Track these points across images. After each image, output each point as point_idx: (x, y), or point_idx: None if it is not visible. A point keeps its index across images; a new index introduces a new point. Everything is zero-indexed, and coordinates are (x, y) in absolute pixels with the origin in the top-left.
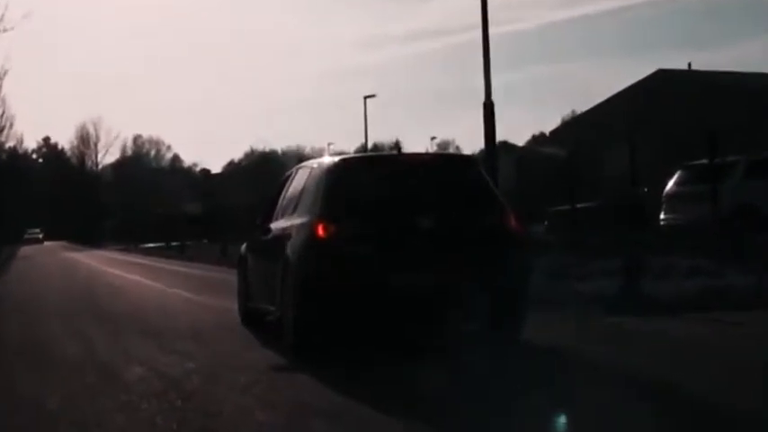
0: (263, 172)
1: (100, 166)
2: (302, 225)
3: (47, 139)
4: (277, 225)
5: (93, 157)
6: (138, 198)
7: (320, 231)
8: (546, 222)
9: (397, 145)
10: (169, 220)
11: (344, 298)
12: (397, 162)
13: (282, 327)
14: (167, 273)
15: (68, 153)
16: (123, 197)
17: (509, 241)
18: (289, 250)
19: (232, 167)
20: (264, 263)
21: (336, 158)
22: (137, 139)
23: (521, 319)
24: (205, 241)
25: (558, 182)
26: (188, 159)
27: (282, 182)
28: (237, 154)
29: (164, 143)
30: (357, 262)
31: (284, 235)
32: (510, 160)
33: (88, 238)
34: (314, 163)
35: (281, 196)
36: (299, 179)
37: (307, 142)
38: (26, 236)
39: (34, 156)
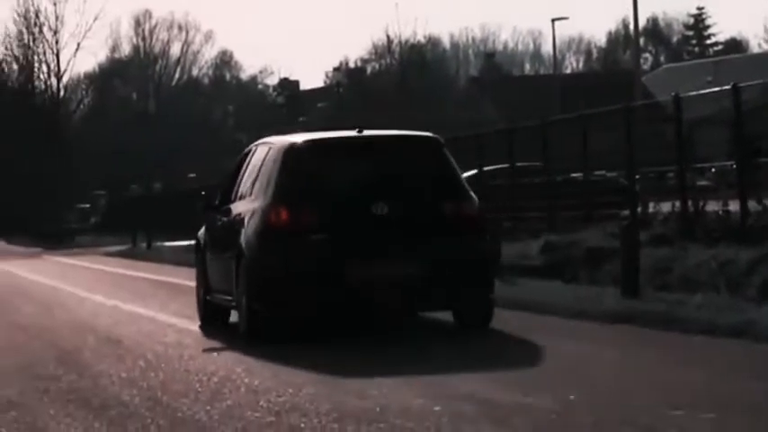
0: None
1: (63, 85)
2: (255, 211)
3: None
4: (235, 208)
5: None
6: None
7: (272, 218)
8: None
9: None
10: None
11: (298, 287)
12: (356, 144)
13: (238, 314)
14: None
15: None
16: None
17: (468, 229)
18: (242, 238)
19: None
20: (221, 251)
21: (293, 139)
22: (139, 20)
23: (481, 307)
24: None
25: None
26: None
27: (241, 158)
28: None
29: (195, 26)
30: (311, 251)
31: (239, 221)
32: None
33: (52, 228)
34: (272, 141)
35: (240, 174)
36: (258, 157)
37: None
38: None
39: None
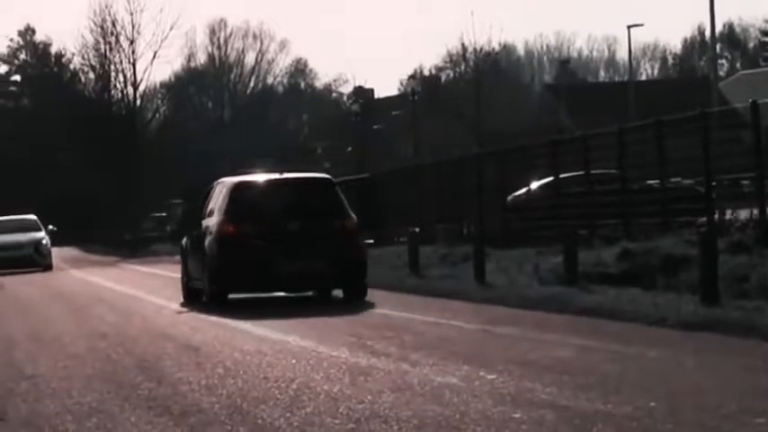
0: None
1: (139, 94)
2: (214, 225)
3: (29, 42)
4: (204, 223)
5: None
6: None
7: (223, 230)
8: None
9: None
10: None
11: (243, 275)
12: (277, 183)
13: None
14: None
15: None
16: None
17: (350, 238)
18: (206, 242)
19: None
20: (195, 252)
21: (237, 179)
22: (214, 29)
23: (361, 285)
24: None
25: None
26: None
27: (208, 191)
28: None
29: (270, 35)
30: (251, 252)
31: (206, 231)
32: None
33: (128, 237)
34: (225, 180)
35: (207, 201)
36: (217, 191)
37: None
38: None
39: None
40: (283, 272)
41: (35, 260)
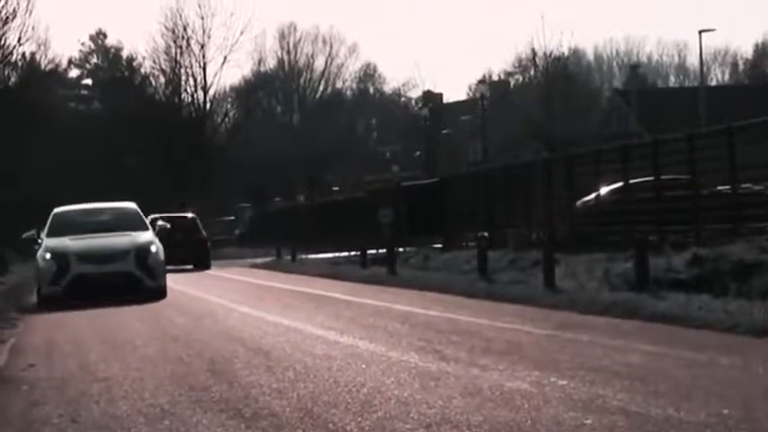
0: None
1: (209, 98)
2: None
3: (101, 46)
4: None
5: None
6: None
7: None
8: None
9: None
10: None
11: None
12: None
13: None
14: None
15: (147, 68)
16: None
17: (203, 245)
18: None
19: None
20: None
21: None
22: (284, 33)
23: (206, 265)
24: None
25: None
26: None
27: None
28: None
29: (339, 39)
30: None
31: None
32: None
33: None
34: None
35: None
36: None
37: None
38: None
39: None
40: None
41: (139, 281)
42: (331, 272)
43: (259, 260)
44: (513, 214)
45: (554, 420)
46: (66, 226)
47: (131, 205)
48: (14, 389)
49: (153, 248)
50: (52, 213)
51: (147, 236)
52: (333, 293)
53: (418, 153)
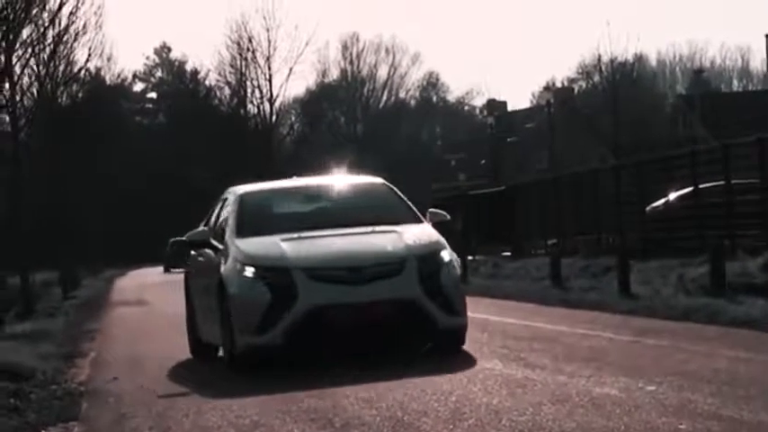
0: None
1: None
2: None
3: (165, 59)
4: None
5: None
6: None
7: None
8: None
9: None
10: None
11: None
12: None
13: None
14: None
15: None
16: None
17: None
18: None
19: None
20: None
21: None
22: (347, 44)
23: None
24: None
25: None
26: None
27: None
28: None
29: (402, 48)
30: None
31: None
32: None
33: None
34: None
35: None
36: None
37: None
38: None
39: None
40: None
41: (426, 317)
42: None
43: None
44: (583, 222)
45: (648, 426)
46: (272, 218)
47: (379, 181)
48: (101, 402)
49: (445, 256)
50: (237, 199)
51: (427, 232)
52: None
53: (483, 161)
